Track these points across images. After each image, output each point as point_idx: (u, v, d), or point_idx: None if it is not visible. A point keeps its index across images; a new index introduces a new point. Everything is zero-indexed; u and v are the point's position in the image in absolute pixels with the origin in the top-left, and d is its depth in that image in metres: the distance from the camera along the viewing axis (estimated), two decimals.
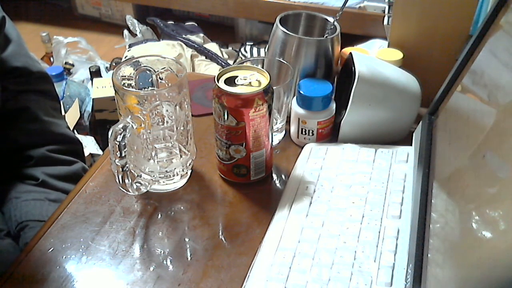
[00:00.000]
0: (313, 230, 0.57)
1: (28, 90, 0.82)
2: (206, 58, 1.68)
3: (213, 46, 1.75)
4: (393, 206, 0.58)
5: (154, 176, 0.63)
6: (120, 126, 0.55)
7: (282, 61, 0.70)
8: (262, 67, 0.67)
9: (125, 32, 1.87)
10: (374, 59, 0.75)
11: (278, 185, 0.67)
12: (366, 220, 0.57)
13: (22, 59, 0.82)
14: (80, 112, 1.48)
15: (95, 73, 1.59)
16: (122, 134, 0.55)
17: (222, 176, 0.67)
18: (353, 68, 0.67)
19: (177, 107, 0.59)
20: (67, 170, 0.80)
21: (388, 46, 0.81)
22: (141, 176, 0.62)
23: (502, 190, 0.39)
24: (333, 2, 1.79)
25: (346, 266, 0.52)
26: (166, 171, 0.63)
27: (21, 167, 0.78)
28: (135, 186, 0.60)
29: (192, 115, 0.63)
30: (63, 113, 1.41)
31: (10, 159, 0.78)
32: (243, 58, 1.87)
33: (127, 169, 0.57)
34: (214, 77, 0.60)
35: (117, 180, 0.58)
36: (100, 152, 1.33)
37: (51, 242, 0.59)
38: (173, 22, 1.88)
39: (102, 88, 1.39)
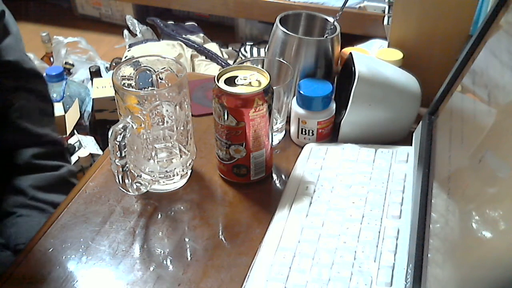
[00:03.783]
0: (313, 230, 0.57)
1: (19, 88, 0.81)
2: (206, 58, 1.68)
3: (213, 46, 1.75)
4: (393, 206, 0.58)
5: (154, 176, 0.63)
6: (120, 126, 0.55)
7: (282, 61, 0.70)
8: (262, 67, 0.67)
9: (125, 32, 1.87)
10: (374, 59, 0.75)
11: (278, 185, 0.67)
12: (366, 220, 0.57)
13: (17, 54, 0.80)
14: (80, 112, 1.48)
15: (95, 73, 1.59)
16: (122, 134, 0.55)
17: (222, 176, 0.67)
18: (353, 68, 0.67)
19: (177, 107, 0.59)
20: (54, 177, 0.80)
21: (388, 46, 0.81)
22: (141, 176, 0.62)
23: (502, 190, 0.39)
24: (333, 2, 1.79)
25: (346, 266, 0.52)
26: (166, 171, 0.63)
27: (8, 176, 0.78)
28: (135, 186, 0.60)
29: (192, 115, 0.63)
30: (62, 113, 1.41)
31: None
32: (243, 58, 1.87)
33: (127, 169, 0.57)
34: (214, 77, 0.60)
35: (117, 180, 0.58)
36: (100, 152, 1.33)
37: (51, 242, 0.59)
38: (173, 22, 1.88)
39: (102, 88, 1.39)
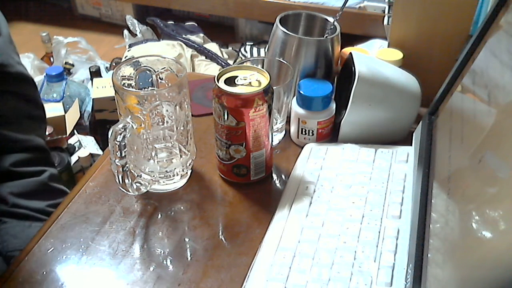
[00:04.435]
0: (313, 230, 0.57)
1: (1, 91, 0.79)
2: (206, 58, 1.68)
3: (213, 46, 1.75)
4: (393, 206, 0.58)
5: (154, 176, 0.63)
6: (120, 126, 0.55)
7: (282, 61, 0.70)
8: (262, 67, 0.67)
9: (125, 32, 1.87)
10: (374, 59, 0.75)
11: (278, 185, 0.67)
12: (366, 220, 0.57)
13: (3, 57, 0.79)
14: (80, 112, 1.48)
15: (95, 73, 1.59)
16: (122, 134, 0.55)
17: (222, 176, 0.67)
18: (353, 68, 0.67)
19: (177, 107, 0.59)
20: (35, 182, 0.79)
21: (388, 46, 0.81)
22: (141, 176, 0.62)
23: (502, 190, 0.39)
24: (333, 2, 1.79)
25: (346, 266, 0.52)
26: (166, 171, 0.63)
27: None
28: (135, 186, 0.60)
29: (192, 115, 0.63)
30: (62, 113, 1.41)
31: None
32: (243, 58, 1.87)
33: (127, 169, 0.57)
34: (214, 77, 0.60)
35: (117, 180, 0.58)
36: (100, 152, 1.33)
37: (51, 242, 0.59)
38: (173, 22, 1.88)
39: (102, 88, 1.39)
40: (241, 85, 0.59)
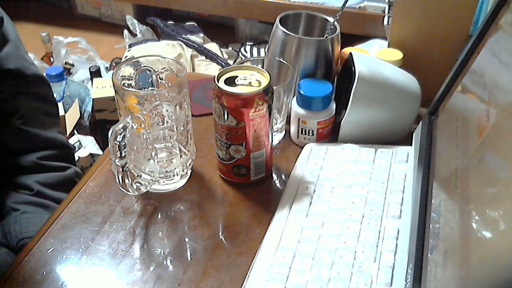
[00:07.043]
0: (313, 230, 0.57)
1: (20, 93, 0.81)
2: (206, 58, 1.68)
3: (213, 46, 1.75)
4: (393, 206, 0.58)
5: (154, 176, 0.63)
6: (120, 126, 0.55)
7: (282, 61, 0.70)
8: (262, 67, 0.67)
9: (125, 32, 1.87)
10: (374, 59, 0.75)
11: (278, 185, 0.67)
12: (366, 220, 0.57)
13: (17, 61, 0.81)
14: (80, 112, 1.48)
15: (95, 73, 1.59)
16: (122, 134, 0.55)
17: (222, 176, 0.67)
18: (353, 68, 0.67)
19: (177, 107, 0.59)
20: (61, 177, 0.80)
21: (388, 46, 0.81)
22: (141, 176, 0.62)
23: (502, 190, 0.39)
24: (333, 2, 1.79)
25: (346, 266, 0.52)
26: (166, 171, 0.63)
27: (13, 175, 0.78)
28: (135, 186, 0.60)
29: (192, 115, 0.63)
30: (62, 113, 1.41)
31: (0, 166, 0.78)
32: (243, 58, 1.87)
33: (127, 169, 0.57)
34: (214, 77, 0.60)
35: (117, 180, 0.58)
36: (100, 152, 1.33)
37: (51, 242, 0.59)
38: (173, 22, 1.88)
39: (102, 88, 1.39)
40: (241, 85, 0.59)
